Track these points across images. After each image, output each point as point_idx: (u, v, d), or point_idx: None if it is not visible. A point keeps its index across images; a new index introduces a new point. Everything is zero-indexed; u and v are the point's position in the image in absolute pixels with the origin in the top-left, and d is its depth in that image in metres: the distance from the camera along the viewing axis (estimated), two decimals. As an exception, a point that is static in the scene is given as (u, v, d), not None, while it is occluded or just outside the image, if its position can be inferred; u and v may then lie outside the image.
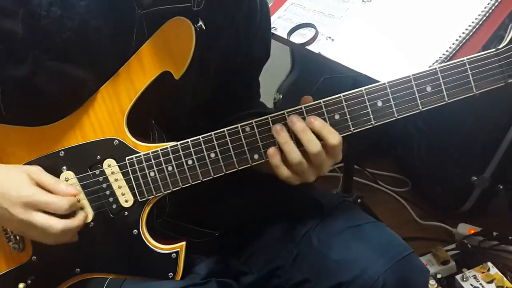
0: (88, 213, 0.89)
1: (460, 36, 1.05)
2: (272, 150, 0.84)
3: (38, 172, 0.85)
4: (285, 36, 1.25)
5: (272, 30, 1.23)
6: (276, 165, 0.84)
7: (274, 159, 0.84)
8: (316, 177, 0.88)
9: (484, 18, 1.06)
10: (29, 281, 0.92)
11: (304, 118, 0.83)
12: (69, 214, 0.85)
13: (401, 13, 1.16)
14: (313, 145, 0.82)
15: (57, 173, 0.89)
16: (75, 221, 0.85)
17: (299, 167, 0.84)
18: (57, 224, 0.82)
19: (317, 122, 0.83)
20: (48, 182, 0.85)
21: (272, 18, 1.28)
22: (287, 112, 0.84)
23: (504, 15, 1.07)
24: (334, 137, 0.83)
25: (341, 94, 0.84)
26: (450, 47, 1.05)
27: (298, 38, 1.24)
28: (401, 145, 2.14)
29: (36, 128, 0.88)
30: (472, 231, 1.75)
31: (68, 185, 0.86)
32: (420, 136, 2.01)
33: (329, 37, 1.19)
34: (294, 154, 0.83)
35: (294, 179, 0.86)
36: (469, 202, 1.86)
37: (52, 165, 0.88)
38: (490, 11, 1.07)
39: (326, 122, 0.84)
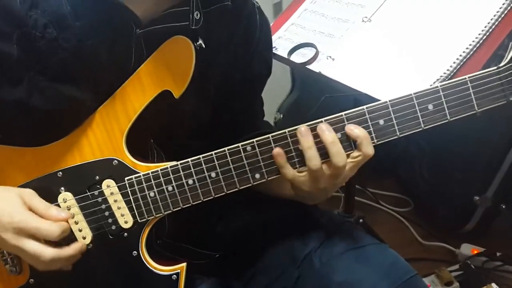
0: (86, 235, 0.88)
1: (460, 55, 1.05)
2: (277, 150, 0.83)
3: (31, 196, 0.84)
4: (285, 56, 1.26)
5: (273, 50, 1.23)
6: (281, 165, 0.83)
7: (279, 159, 0.83)
8: (334, 187, 0.87)
9: (485, 37, 1.07)
10: (26, 304, 0.90)
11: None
12: (63, 241, 0.84)
13: (402, 32, 1.16)
14: (341, 158, 0.81)
15: (55, 194, 0.88)
16: (67, 251, 0.83)
17: (318, 173, 0.82)
18: (47, 252, 0.81)
19: (358, 131, 0.81)
20: (39, 207, 0.83)
21: (273, 38, 1.28)
22: (288, 131, 0.84)
23: (504, 35, 1.07)
24: (369, 149, 0.82)
25: (343, 113, 0.83)
26: (451, 66, 1.04)
27: (298, 57, 1.24)
28: (402, 165, 2.13)
29: (34, 149, 0.87)
30: (476, 252, 1.73)
31: (59, 210, 0.84)
32: (421, 156, 2.00)
33: (330, 57, 1.19)
34: (315, 160, 0.82)
35: (305, 183, 0.84)
36: (471, 222, 1.85)
37: (50, 186, 0.87)
38: (491, 30, 1.07)
39: None
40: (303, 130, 0.82)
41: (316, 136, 0.82)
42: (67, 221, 0.85)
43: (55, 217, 0.83)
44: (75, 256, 0.85)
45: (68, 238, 0.86)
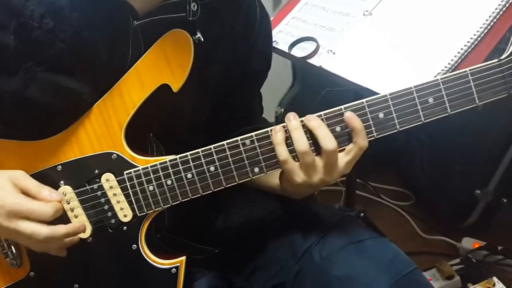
0: (86, 229, 0.88)
1: (462, 49, 1.05)
2: (278, 127, 0.83)
3: (22, 178, 0.84)
4: (286, 50, 1.25)
5: (273, 44, 1.23)
6: (278, 142, 0.83)
7: (278, 133, 0.83)
8: (323, 184, 0.86)
9: (486, 30, 1.06)
10: (27, 298, 0.91)
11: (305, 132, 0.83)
12: (60, 221, 0.84)
13: (403, 26, 1.16)
14: (330, 141, 0.81)
15: (54, 188, 0.87)
16: (62, 229, 0.82)
17: (306, 158, 0.82)
18: (42, 230, 0.80)
19: (355, 122, 0.82)
20: (31, 187, 0.83)
21: (273, 32, 1.28)
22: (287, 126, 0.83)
23: (506, 28, 1.07)
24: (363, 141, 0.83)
25: (342, 106, 0.83)
26: (452, 60, 1.04)
27: (299, 51, 1.24)
28: (403, 159, 2.13)
29: (33, 142, 0.87)
30: (477, 245, 1.73)
31: (52, 191, 0.84)
32: (422, 150, 2.00)
33: (330, 51, 1.19)
34: (302, 141, 0.82)
35: (298, 173, 0.84)
36: (473, 216, 1.84)
37: (50, 180, 0.87)
38: (492, 23, 1.06)
39: None
40: (290, 115, 0.83)
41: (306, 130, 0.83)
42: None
43: (47, 198, 0.83)
44: (70, 235, 0.84)
45: (63, 221, 0.85)
